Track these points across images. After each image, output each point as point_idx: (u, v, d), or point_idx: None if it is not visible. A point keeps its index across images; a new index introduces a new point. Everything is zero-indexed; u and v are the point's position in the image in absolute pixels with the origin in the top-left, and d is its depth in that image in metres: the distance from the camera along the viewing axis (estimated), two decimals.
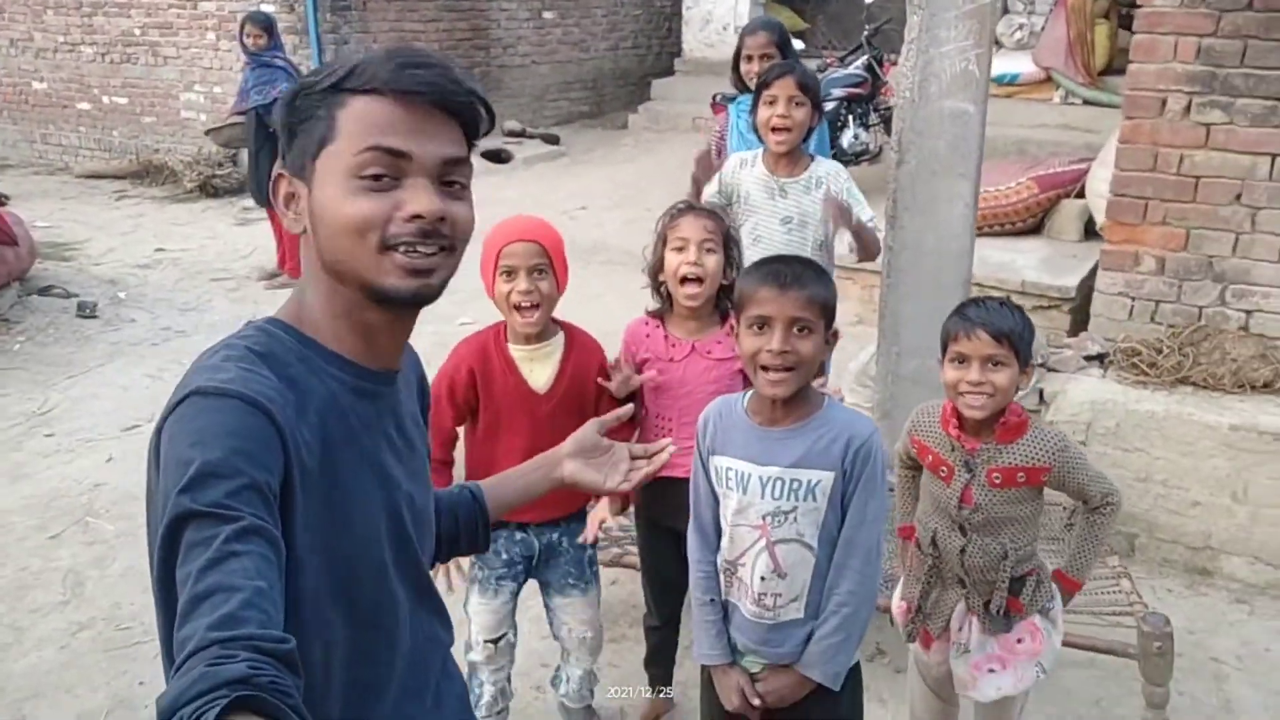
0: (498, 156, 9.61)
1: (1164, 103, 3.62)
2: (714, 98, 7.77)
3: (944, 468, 2.09)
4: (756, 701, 1.90)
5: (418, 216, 1.07)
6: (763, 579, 1.84)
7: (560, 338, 2.34)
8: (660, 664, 2.73)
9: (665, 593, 2.60)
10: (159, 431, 1.03)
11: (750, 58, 3.84)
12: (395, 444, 1.21)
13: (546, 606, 2.55)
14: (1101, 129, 7.50)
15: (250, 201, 9.17)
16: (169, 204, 9.31)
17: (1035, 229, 6.43)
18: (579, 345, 2.36)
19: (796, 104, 2.95)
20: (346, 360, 1.15)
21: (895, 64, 9.07)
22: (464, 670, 2.38)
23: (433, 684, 1.30)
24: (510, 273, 2.18)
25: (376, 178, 1.07)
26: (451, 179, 1.11)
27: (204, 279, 7.09)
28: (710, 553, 1.93)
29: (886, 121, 7.86)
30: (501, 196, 8.61)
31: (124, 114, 10.42)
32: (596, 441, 1.48)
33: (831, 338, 1.82)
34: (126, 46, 10.17)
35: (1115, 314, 3.82)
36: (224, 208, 9.14)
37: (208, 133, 7.45)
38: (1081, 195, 6.33)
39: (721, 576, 1.93)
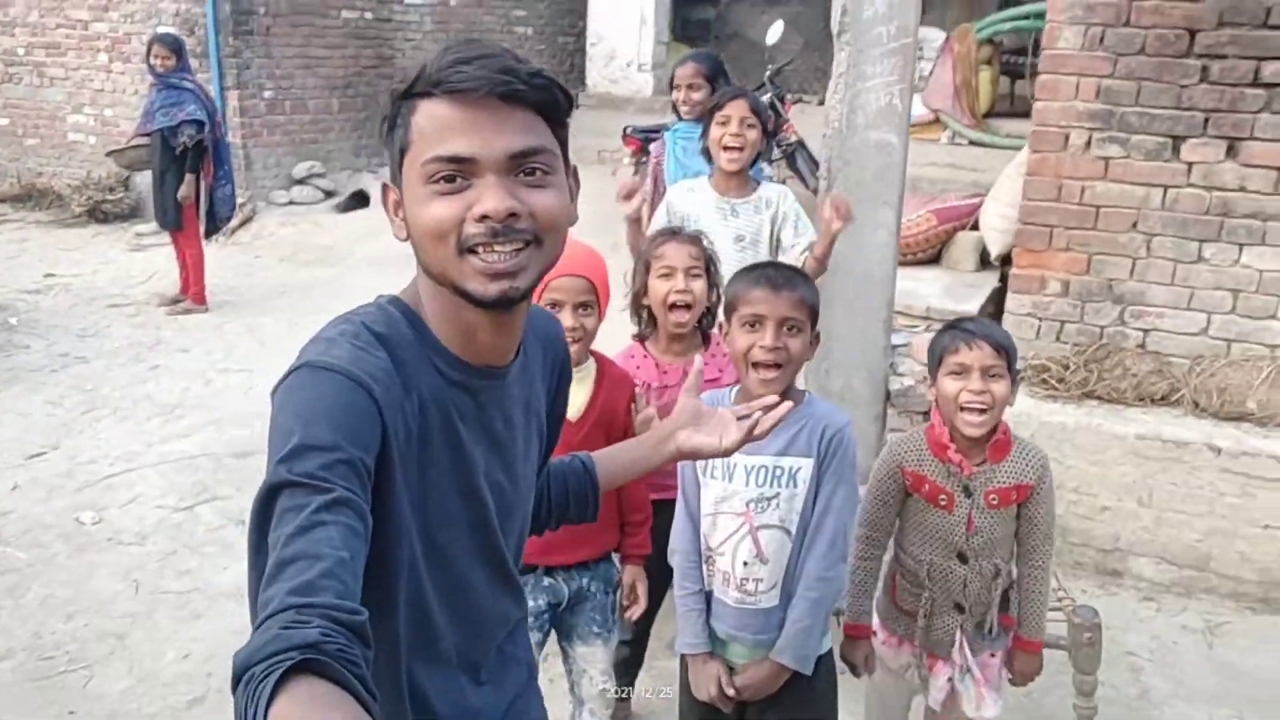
0: None
1: (1067, 138, 3.89)
2: (625, 130, 7.94)
3: (943, 496, 2.10)
4: (731, 692, 1.96)
5: (485, 217, 1.07)
6: (745, 564, 1.93)
7: (592, 366, 2.31)
8: (629, 674, 2.76)
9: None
10: (272, 396, 1.08)
11: (679, 86, 3.99)
12: (496, 435, 1.23)
13: (565, 655, 2.43)
14: (986, 168, 7.92)
15: (145, 227, 8.94)
16: (55, 229, 8.96)
17: (934, 259, 6.74)
18: (610, 376, 2.33)
19: (748, 125, 3.07)
20: (450, 354, 1.16)
21: (795, 102, 9.44)
22: None
23: (491, 660, 1.32)
24: (555, 305, 2.12)
25: (449, 179, 1.08)
26: (530, 167, 1.10)
27: (100, 305, 6.85)
28: (694, 538, 2.00)
29: (788, 156, 8.13)
30: None
31: (5, 135, 9.99)
32: (699, 410, 1.44)
33: (814, 340, 1.93)
34: (9, 66, 9.77)
35: (1024, 333, 4.06)
36: (115, 233, 8.85)
37: (110, 154, 7.21)
38: (976, 228, 6.68)
39: (704, 564, 2.00)
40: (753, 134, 3.09)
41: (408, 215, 1.12)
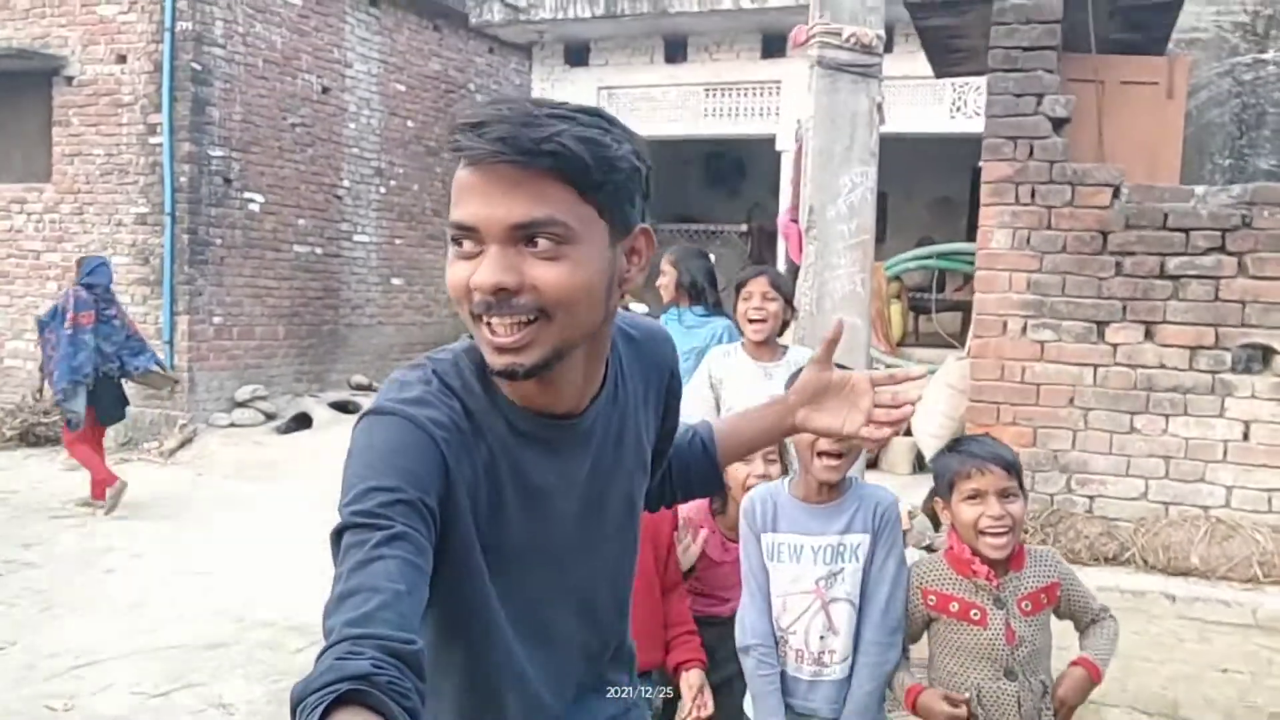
0: (345, 407, 9.73)
1: (1005, 324, 4.39)
2: None
3: (975, 610, 2.11)
4: None
5: (477, 289, 1.06)
6: (821, 638, 2.10)
7: None
8: None
9: None
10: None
11: (663, 273, 4.42)
12: (576, 479, 1.22)
13: None
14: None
15: None
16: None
17: (873, 464, 7.16)
18: None
19: (769, 299, 3.41)
20: (516, 407, 1.17)
21: None
22: None
23: (582, 695, 1.33)
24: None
25: (460, 244, 1.08)
26: (537, 239, 1.05)
27: (41, 517, 6.70)
28: (767, 622, 2.16)
29: None
30: None
31: None
32: (825, 385, 1.36)
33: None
34: None
35: None
36: (48, 455, 8.72)
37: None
38: (909, 434, 7.16)
39: (777, 646, 2.15)
40: (774, 307, 3.42)
41: None
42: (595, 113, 1.09)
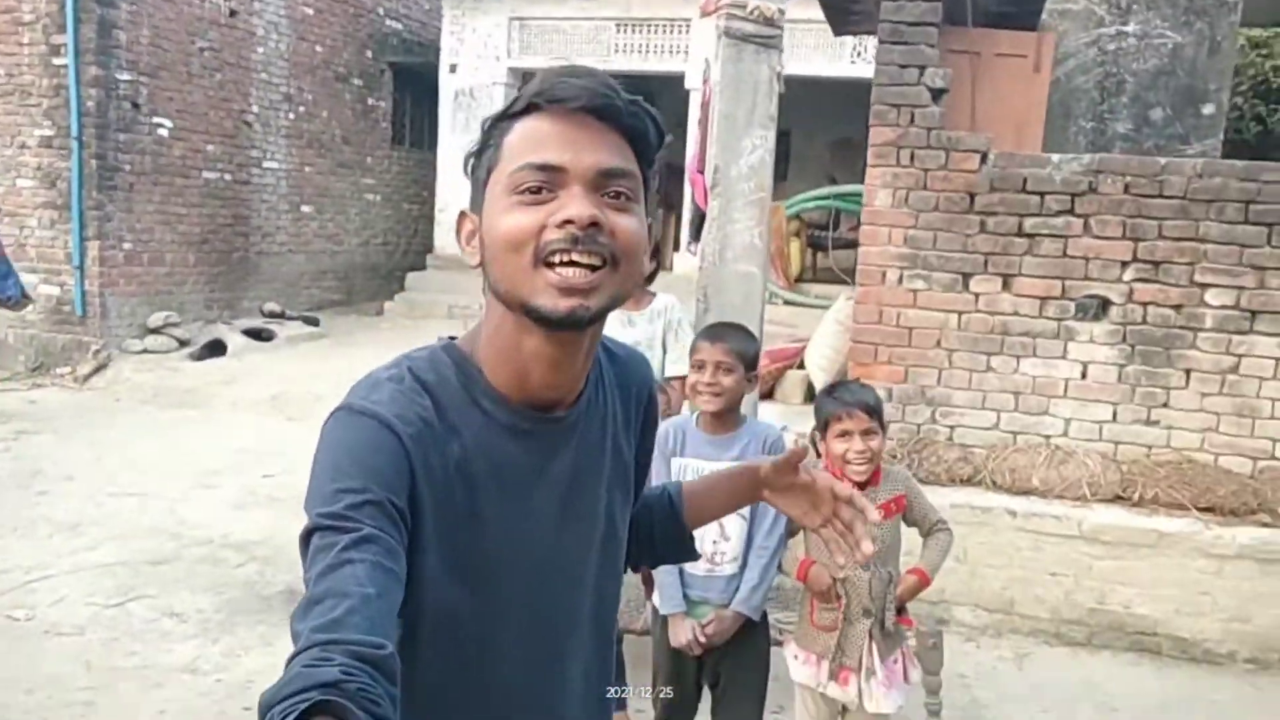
0: (259, 335, 9.90)
1: (884, 274, 4.92)
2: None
3: None
4: (703, 639, 2.60)
5: (568, 222, 1.04)
6: (715, 542, 2.60)
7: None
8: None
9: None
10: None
11: None
12: (557, 480, 1.18)
13: None
14: (798, 323, 9.14)
15: None
16: None
17: (768, 394, 7.74)
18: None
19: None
20: (500, 395, 1.14)
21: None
22: None
23: None
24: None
25: (534, 191, 1.06)
26: (615, 190, 1.08)
27: None
28: None
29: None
30: (271, 370, 8.94)
31: None
32: (791, 484, 1.34)
33: (751, 379, 2.68)
34: None
35: None
36: None
37: None
38: (802, 367, 7.76)
39: None
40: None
41: (485, 231, 1.10)
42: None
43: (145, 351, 9.38)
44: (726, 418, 2.68)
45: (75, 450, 6.69)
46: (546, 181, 1.07)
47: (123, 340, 9.38)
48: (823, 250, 11.53)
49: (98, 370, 8.99)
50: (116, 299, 9.33)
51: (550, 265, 1.06)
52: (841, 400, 2.66)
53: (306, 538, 0.99)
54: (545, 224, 1.06)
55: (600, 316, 1.10)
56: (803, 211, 11.03)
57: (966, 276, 4.83)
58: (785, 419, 6.98)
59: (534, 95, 1.08)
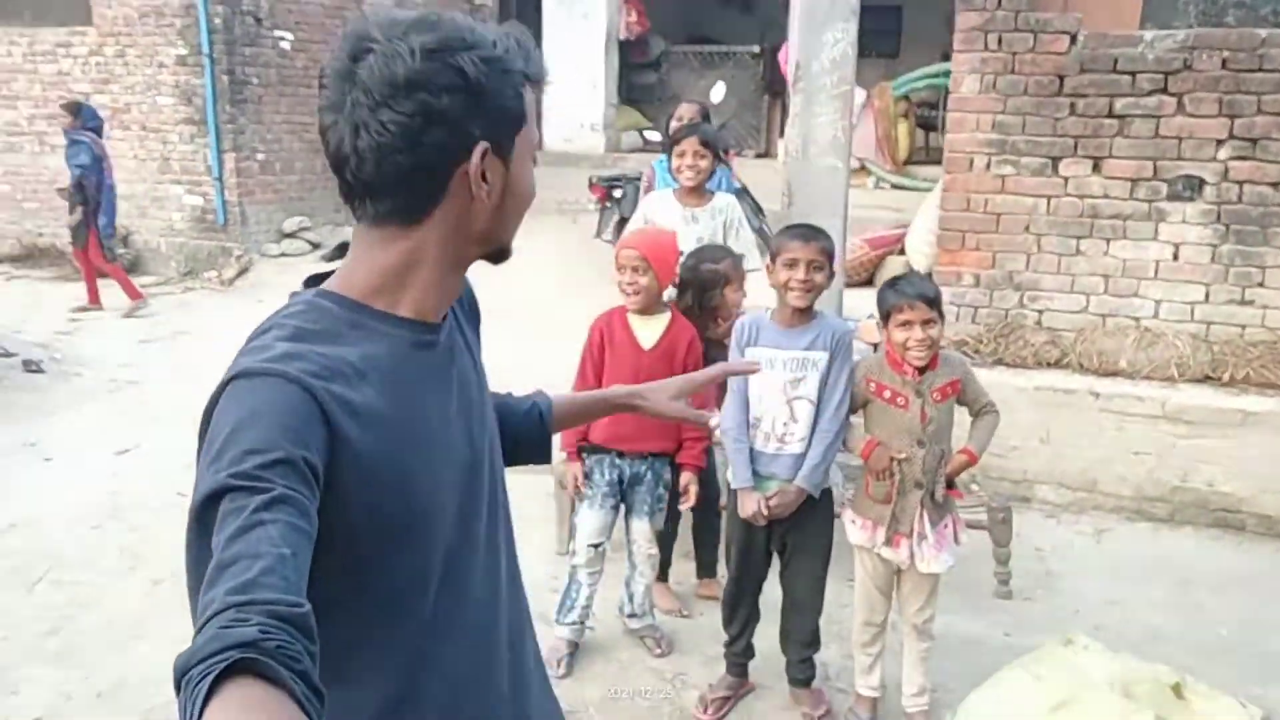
0: None
1: (972, 161, 4.97)
2: (590, 180, 8.98)
3: (901, 398, 2.86)
4: (766, 510, 2.90)
5: None
6: (784, 424, 2.89)
7: (667, 315, 3.30)
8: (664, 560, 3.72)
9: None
10: (207, 412, 1.05)
11: (680, 118, 4.93)
12: (454, 383, 1.25)
13: (626, 527, 3.38)
14: (906, 206, 9.09)
15: (146, 279, 9.75)
16: (62, 283, 9.62)
17: (869, 281, 7.83)
18: (679, 323, 3.32)
19: (699, 155, 3.96)
20: (403, 319, 1.17)
21: (738, 154, 10.54)
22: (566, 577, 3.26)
23: (502, 646, 1.32)
24: (621, 269, 3.17)
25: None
26: None
27: (130, 342, 7.59)
28: (743, 414, 2.96)
29: (737, 193, 9.24)
30: None
31: (6, 200, 10.66)
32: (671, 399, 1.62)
33: (831, 274, 2.90)
34: (11, 136, 10.49)
35: (946, 317, 5.10)
36: (116, 285, 9.55)
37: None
38: (903, 252, 7.80)
39: (750, 429, 2.94)
40: (704, 162, 3.97)
41: (511, 183, 1.16)
42: None
43: (282, 255, 10.03)
44: (805, 311, 2.92)
45: (227, 349, 7.31)
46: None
47: (261, 245, 10.05)
48: (934, 130, 11.30)
49: (241, 274, 9.69)
50: (254, 207, 9.97)
51: None
52: (902, 292, 2.84)
53: (213, 501, 0.94)
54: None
55: None
56: (912, 91, 10.81)
57: (1055, 160, 4.84)
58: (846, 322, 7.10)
59: (539, 74, 1.18)
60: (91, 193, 8.26)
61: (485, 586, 1.28)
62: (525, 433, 1.53)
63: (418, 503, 1.14)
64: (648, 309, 3.26)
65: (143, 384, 6.51)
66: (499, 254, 1.21)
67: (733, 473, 3.00)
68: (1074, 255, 4.90)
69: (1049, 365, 4.85)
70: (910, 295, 2.82)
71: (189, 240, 10.08)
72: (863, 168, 10.46)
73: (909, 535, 2.94)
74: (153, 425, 5.68)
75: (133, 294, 8.61)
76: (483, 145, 1.12)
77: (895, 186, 10.30)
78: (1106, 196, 4.80)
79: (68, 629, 3.53)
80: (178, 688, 0.81)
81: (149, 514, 4.51)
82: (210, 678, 0.78)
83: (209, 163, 9.78)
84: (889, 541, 2.97)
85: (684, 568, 3.93)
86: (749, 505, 2.93)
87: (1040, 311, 5.00)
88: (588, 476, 3.31)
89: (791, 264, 2.83)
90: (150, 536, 4.28)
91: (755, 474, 2.97)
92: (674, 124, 4.84)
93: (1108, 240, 4.84)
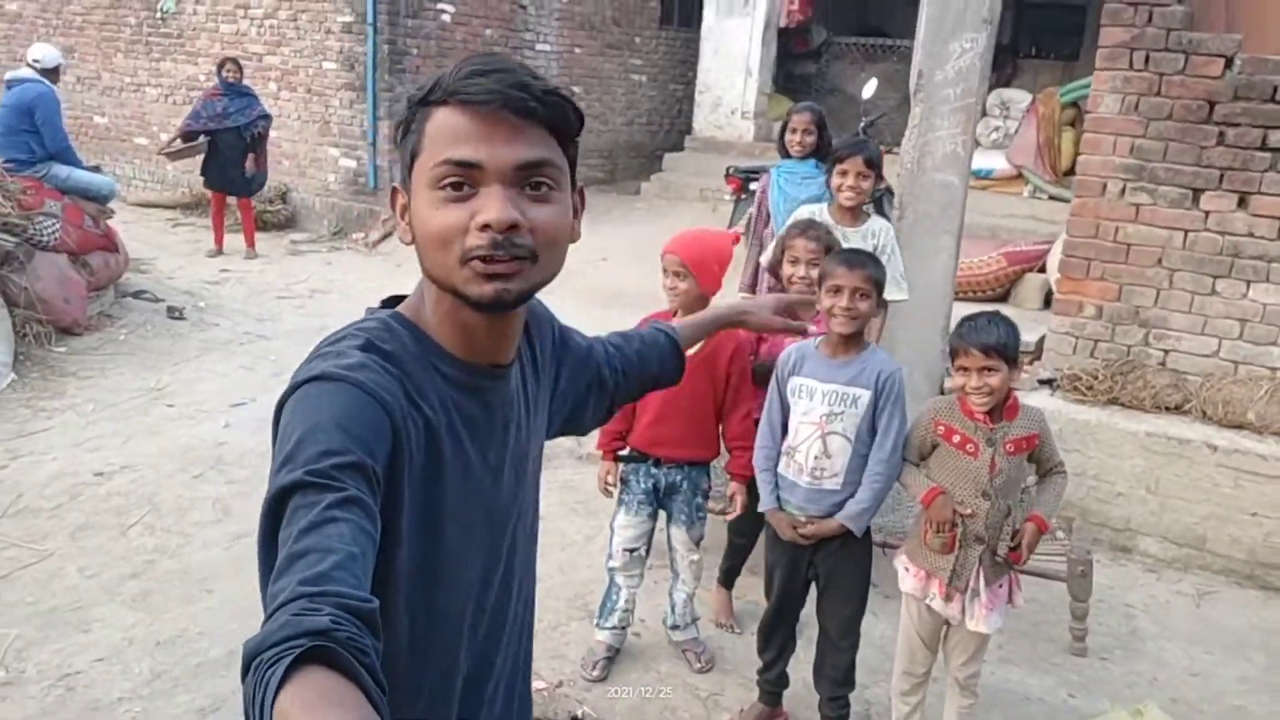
0: None
1: (1105, 186, 4.66)
2: (728, 170, 8.88)
3: (970, 444, 2.71)
4: (802, 532, 2.83)
5: (486, 226, 1.08)
6: (815, 459, 2.79)
7: None
8: (730, 559, 3.70)
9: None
10: (278, 411, 1.09)
11: (795, 130, 4.75)
12: (506, 431, 1.27)
13: (668, 535, 3.34)
14: (1063, 220, 8.63)
15: (300, 235, 10.26)
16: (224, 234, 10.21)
17: (1003, 298, 7.48)
18: (722, 331, 3.17)
19: (863, 177, 3.77)
20: (455, 358, 1.19)
21: (887, 152, 10.23)
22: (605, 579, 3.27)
23: (496, 674, 1.34)
24: (664, 271, 3.11)
25: (456, 187, 1.10)
26: (536, 181, 1.12)
27: (270, 296, 7.98)
28: (774, 441, 2.88)
29: (875, 201, 8.96)
30: None
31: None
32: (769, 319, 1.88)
33: (880, 304, 2.78)
34: (190, 90, 11.15)
35: (1063, 349, 4.81)
36: (274, 239, 10.06)
37: (163, 153, 9.44)
38: (1043, 270, 7.41)
39: (783, 458, 2.86)
40: (866, 183, 3.79)
41: (414, 218, 1.14)
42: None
43: None
44: (850, 342, 2.81)
45: (357, 309, 7.62)
46: (466, 178, 1.10)
47: None
48: None
49: (385, 238, 10.04)
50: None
51: (472, 261, 1.11)
52: (963, 336, 2.69)
53: (285, 496, 0.97)
54: (467, 226, 1.09)
55: (525, 298, 1.16)
56: (1081, 99, 10.22)
57: (1197, 192, 4.48)
58: (1021, 324, 6.76)
59: (447, 93, 1.11)
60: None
61: (490, 629, 1.31)
62: (664, 363, 1.71)
63: (444, 545, 1.17)
64: (689, 309, 3.16)
65: (272, 339, 6.84)
66: (466, 302, 1.14)
67: (762, 498, 2.92)
68: (1209, 295, 4.54)
69: (1169, 410, 4.52)
70: (969, 341, 2.66)
71: (340, 201, 10.51)
72: (1019, 175, 10.00)
73: (963, 591, 2.79)
74: (272, 379, 5.97)
75: (253, 243, 9.42)
76: (394, 186, 1.20)
77: (1053, 198, 9.79)
78: (1251, 235, 4.42)
79: (147, 574, 3.76)
80: (246, 670, 0.82)
81: (248, 469, 4.74)
82: (284, 663, 0.79)
83: (365, 127, 10.15)
84: (948, 599, 2.82)
85: (750, 584, 3.84)
86: (783, 525, 2.86)
87: (1165, 351, 4.66)
88: (624, 482, 3.28)
89: (835, 290, 2.72)
90: (244, 491, 4.50)
91: (788, 505, 2.90)
92: (789, 135, 4.64)
93: (1248, 282, 4.46)
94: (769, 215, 4.60)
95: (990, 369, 2.65)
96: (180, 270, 8.50)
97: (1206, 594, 4.18)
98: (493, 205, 1.09)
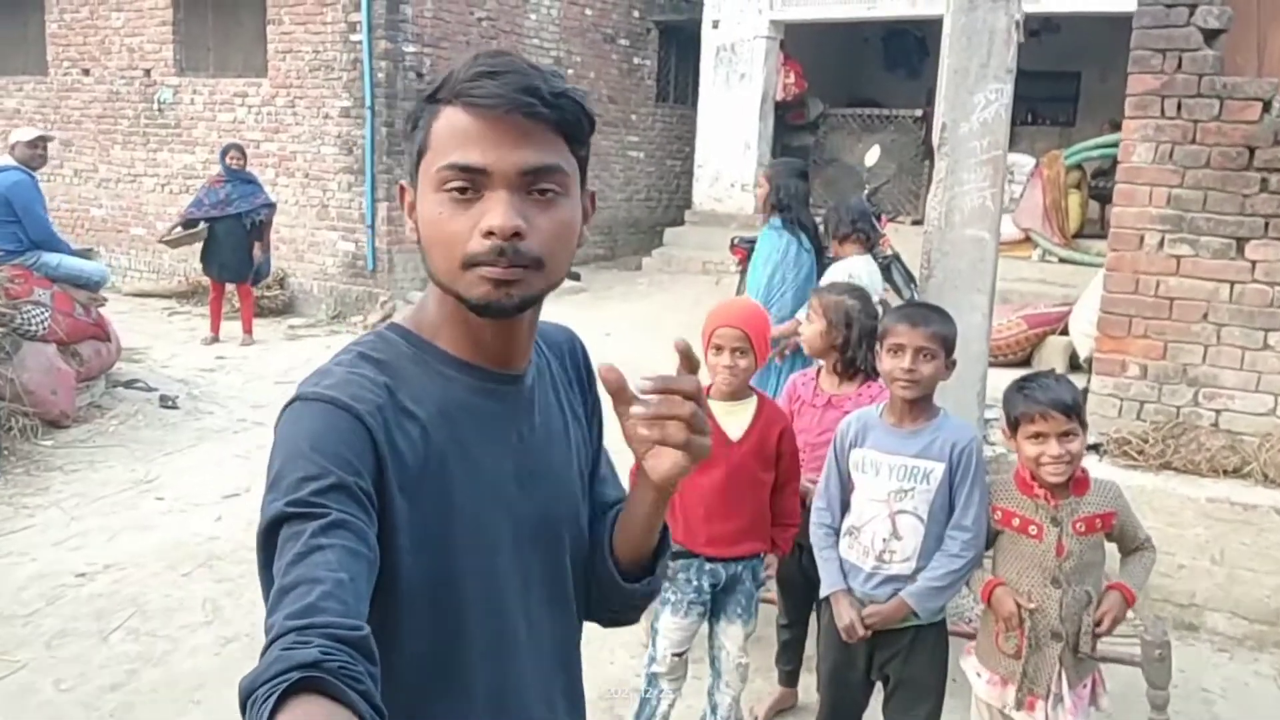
0: None
1: (1142, 238, 4.43)
2: (732, 241, 8.70)
3: (1033, 526, 2.43)
4: (863, 626, 2.50)
5: (490, 233, 1.05)
6: (884, 540, 2.49)
7: (754, 400, 2.83)
8: (789, 660, 3.37)
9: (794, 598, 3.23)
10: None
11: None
12: (523, 439, 1.20)
13: (711, 632, 2.95)
14: (1075, 283, 8.45)
15: (298, 320, 10.03)
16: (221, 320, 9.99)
17: (1025, 362, 7.23)
18: (768, 409, 2.87)
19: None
20: (460, 360, 1.16)
21: (890, 220, 10.11)
22: (643, 683, 2.94)
23: (528, 699, 1.22)
24: (719, 349, 2.72)
25: (460, 190, 1.07)
26: (543, 187, 1.09)
27: (267, 382, 7.71)
28: (832, 519, 2.57)
29: (884, 269, 8.78)
30: None
31: None
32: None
33: (949, 364, 2.50)
34: (187, 179, 11.05)
35: (1106, 411, 4.53)
36: (272, 325, 9.83)
37: (163, 241, 9.33)
38: (1065, 333, 7.17)
39: (845, 539, 2.55)
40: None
41: (419, 218, 1.12)
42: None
43: None
44: (917, 408, 2.52)
45: None
46: (470, 182, 1.07)
47: (406, 292, 10.18)
48: (1108, 202, 10.53)
49: (384, 319, 9.81)
50: (402, 254, 10.13)
51: (475, 266, 1.08)
52: (1034, 399, 2.38)
53: (274, 530, 0.97)
54: (472, 230, 1.07)
55: (528, 304, 1.11)
56: (1085, 160, 10.13)
57: (1241, 241, 4.26)
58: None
59: (454, 93, 1.08)
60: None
61: (517, 648, 1.20)
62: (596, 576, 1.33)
63: (435, 554, 1.10)
64: (737, 394, 2.85)
65: (268, 426, 6.50)
66: (468, 306, 1.10)
67: (824, 579, 2.61)
68: (1260, 349, 4.28)
69: (1226, 474, 4.22)
70: (1043, 403, 2.35)
71: (339, 285, 10.32)
72: (1027, 239, 9.85)
73: (1044, 696, 2.44)
74: (266, 470, 5.66)
75: (250, 330, 9.18)
76: (401, 184, 1.19)
77: (1063, 260, 9.63)
78: None
79: (129, 685, 3.41)
80: (243, 709, 0.83)
81: (240, 565, 4.41)
82: (275, 697, 0.79)
83: (363, 210, 10.01)
84: (1021, 705, 2.47)
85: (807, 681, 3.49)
86: (845, 610, 2.52)
87: (1218, 411, 4.38)
88: (671, 579, 2.92)
89: (896, 350, 2.45)
90: (235, 590, 4.17)
91: (850, 591, 2.58)
92: (758, 192, 4.65)
93: None
94: None
95: (1070, 433, 2.36)
96: (175, 358, 8.25)
97: None
98: (497, 211, 1.06)
